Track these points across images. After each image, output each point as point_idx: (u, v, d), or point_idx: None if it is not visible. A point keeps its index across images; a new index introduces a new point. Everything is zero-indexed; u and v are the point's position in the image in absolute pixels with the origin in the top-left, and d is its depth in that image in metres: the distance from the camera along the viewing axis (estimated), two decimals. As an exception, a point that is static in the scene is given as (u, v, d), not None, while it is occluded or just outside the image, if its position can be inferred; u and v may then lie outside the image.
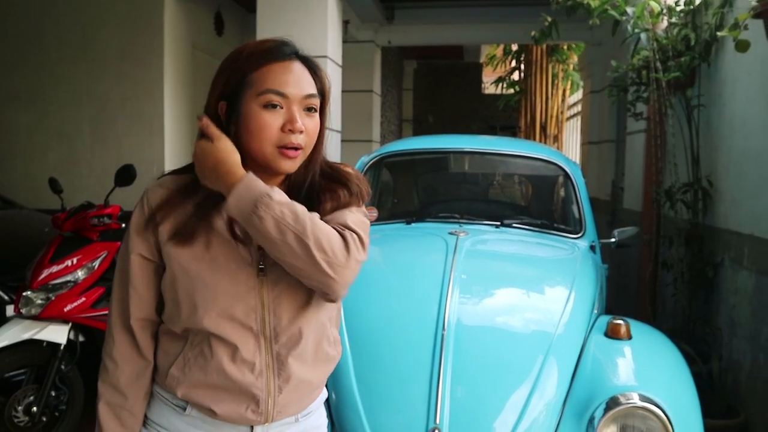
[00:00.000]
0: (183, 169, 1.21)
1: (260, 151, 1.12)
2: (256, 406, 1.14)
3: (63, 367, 2.87)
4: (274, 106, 1.11)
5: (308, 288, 1.14)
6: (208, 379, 1.14)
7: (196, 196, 1.15)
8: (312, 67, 1.18)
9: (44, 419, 2.83)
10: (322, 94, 1.19)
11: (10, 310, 3.08)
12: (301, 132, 1.12)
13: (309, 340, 1.19)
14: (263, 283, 1.14)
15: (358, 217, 1.19)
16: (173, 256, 1.13)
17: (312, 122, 1.15)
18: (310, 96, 1.15)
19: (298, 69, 1.14)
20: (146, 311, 1.20)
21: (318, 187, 1.21)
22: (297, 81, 1.13)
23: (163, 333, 1.21)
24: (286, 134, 1.11)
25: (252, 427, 1.17)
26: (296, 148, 1.12)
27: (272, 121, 1.11)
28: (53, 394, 2.86)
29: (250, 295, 1.13)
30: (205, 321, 1.12)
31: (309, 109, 1.15)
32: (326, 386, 1.91)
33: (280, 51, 1.14)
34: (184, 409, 1.17)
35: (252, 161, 1.14)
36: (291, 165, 1.14)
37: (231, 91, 1.13)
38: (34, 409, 2.78)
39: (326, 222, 1.12)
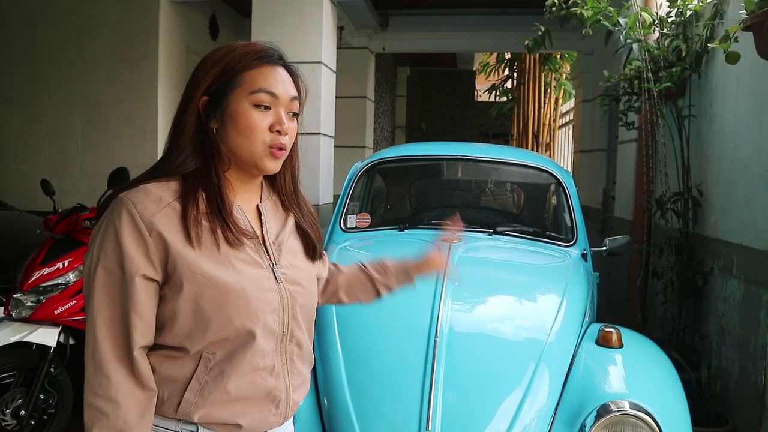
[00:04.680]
0: (154, 175, 1.13)
1: (249, 150, 1.13)
2: (276, 408, 1.16)
3: (52, 370, 2.85)
4: (261, 107, 1.13)
5: (312, 288, 1.25)
6: (231, 396, 1.11)
7: (194, 201, 1.10)
8: (294, 73, 1.21)
9: (32, 423, 2.81)
10: (300, 101, 1.23)
11: (-1, 312, 3.07)
12: (287, 134, 1.15)
13: (309, 339, 1.24)
14: (281, 287, 1.16)
15: None
16: (195, 268, 1.07)
17: (294, 125, 1.19)
18: (295, 99, 1.18)
19: (284, 74, 1.18)
20: (149, 337, 1.09)
21: (308, 215, 1.30)
22: (284, 84, 1.16)
23: (162, 358, 1.10)
24: (275, 134, 1.14)
25: None
26: (281, 149, 1.16)
27: (261, 120, 1.13)
28: (42, 397, 2.84)
29: (274, 298, 1.15)
30: (243, 330, 1.10)
31: (291, 113, 1.18)
32: (318, 391, 1.94)
33: (271, 54, 1.17)
34: None
35: (237, 161, 1.15)
36: (276, 165, 1.17)
37: (216, 87, 1.13)
38: (23, 412, 2.76)
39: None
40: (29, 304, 2.83)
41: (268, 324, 1.13)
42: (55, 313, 2.85)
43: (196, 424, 1.11)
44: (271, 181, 1.26)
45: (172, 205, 1.09)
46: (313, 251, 1.27)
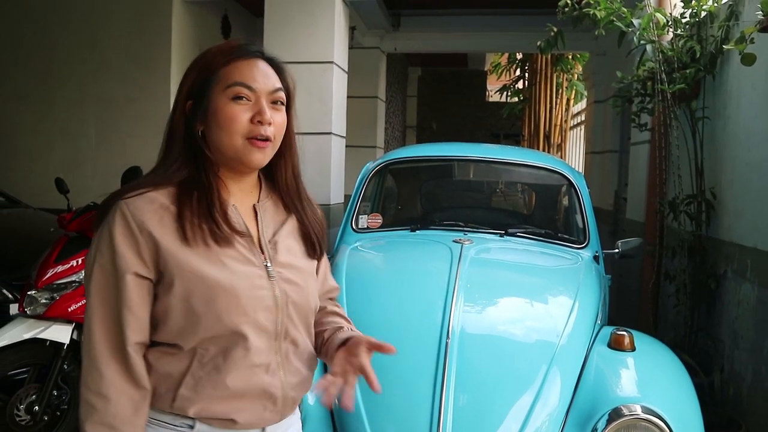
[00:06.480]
0: (155, 182, 1.14)
1: (231, 144, 1.13)
2: (273, 405, 1.16)
3: (65, 366, 2.87)
4: (240, 98, 1.13)
5: (309, 287, 1.23)
6: (224, 392, 1.12)
7: (188, 203, 1.13)
8: (277, 66, 1.21)
9: (46, 418, 2.83)
10: (288, 94, 1.22)
11: (14, 308, 3.10)
12: (270, 124, 1.14)
13: (307, 338, 1.24)
14: (274, 284, 1.16)
15: (327, 262, 1.41)
16: (184, 266, 1.09)
17: (280, 116, 1.18)
18: (277, 90, 1.17)
19: (263, 66, 1.17)
20: (143, 334, 1.11)
21: (311, 213, 1.28)
22: (263, 76, 1.16)
23: (157, 356, 1.12)
24: (256, 126, 1.13)
25: (264, 429, 1.19)
26: (266, 139, 1.14)
27: (241, 112, 1.12)
28: (55, 393, 2.86)
29: (267, 296, 1.15)
30: (233, 328, 1.11)
31: (275, 103, 1.17)
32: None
33: (246, 49, 1.17)
34: (192, 428, 1.13)
35: (224, 159, 1.16)
36: (261, 157, 1.16)
37: (198, 89, 1.14)
38: (36, 408, 2.79)
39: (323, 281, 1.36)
40: (43, 301, 2.86)
41: (259, 321, 1.13)
42: (69, 310, 2.87)
43: (193, 418, 1.13)
44: (273, 179, 1.26)
45: (165, 207, 1.11)
46: (313, 251, 1.27)
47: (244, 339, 1.11)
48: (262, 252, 1.17)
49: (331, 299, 1.41)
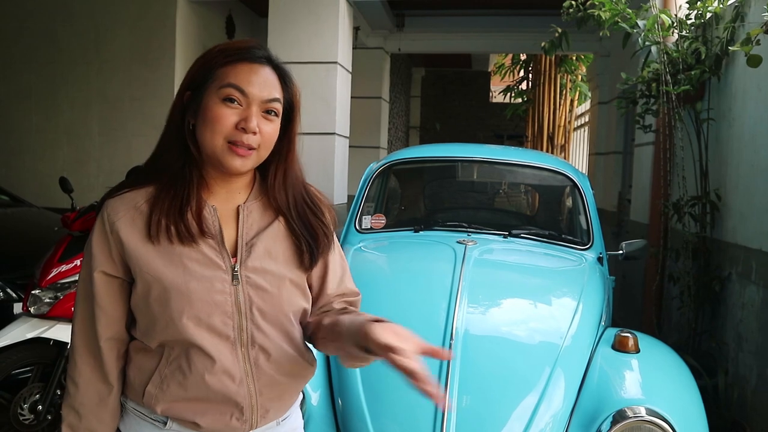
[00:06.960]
0: (140, 181, 1.17)
1: (212, 144, 1.11)
2: (240, 413, 1.13)
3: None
4: (231, 101, 1.11)
5: (282, 294, 1.17)
6: (188, 394, 1.12)
7: (161, 202, 1.13)
8: (282, 74, 1.17)
9: (49, 418, 2.84)
10: (291, 103, 1.19)
11: (17, 307, 3.10)
12: (255, 133, 1.11)
13: (284, 346, 1.17)
14: (238, 289, 1.13)
15: (347, 266, 1.32)
16: (144, 266, 1.10)
17: (270, 126, 1.14)
18: (272, 100, 1.14)
19: (265, 73, 1.14)
20: (114, 330, 1.16)
21: (311, 219, 1.23)
22: (261, 83, 1.12)
23: (136, 350, 1.17)
24: (239, 132, 1.10)
25: None
26: (248, 147, 1.11)
27: (227, 115, 1.10)
28: (58, 392, 2.87)
29: (227, 302, 1.12)
30: (183, 332, 1.09)
31: (268, 112, 1.14)
32: (333, 392, 1.94)
33: (251, 53, 1.14)
34: (165, 424, 1.14)
35: (207, 157, 1.14)
36: (241, 163, 1.12)
37: (197, 83, 1.14)
38: (40, 407, 2.80)
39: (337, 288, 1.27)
40: (47, 300, 2.87)
41: (215, 326, 1.11)
42: (73, 309, 2.87)
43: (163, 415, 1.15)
44: (266, 181, 1.23)
45: (138, 206, 1.14)
46: (301, 257, 1.19)
47: (198, 342, 1.10)
48: (235, 254, 1.14)
49: (348, 303, 1.29)
